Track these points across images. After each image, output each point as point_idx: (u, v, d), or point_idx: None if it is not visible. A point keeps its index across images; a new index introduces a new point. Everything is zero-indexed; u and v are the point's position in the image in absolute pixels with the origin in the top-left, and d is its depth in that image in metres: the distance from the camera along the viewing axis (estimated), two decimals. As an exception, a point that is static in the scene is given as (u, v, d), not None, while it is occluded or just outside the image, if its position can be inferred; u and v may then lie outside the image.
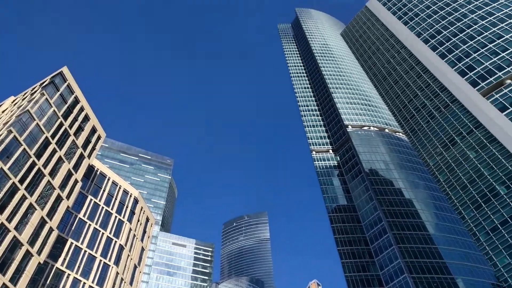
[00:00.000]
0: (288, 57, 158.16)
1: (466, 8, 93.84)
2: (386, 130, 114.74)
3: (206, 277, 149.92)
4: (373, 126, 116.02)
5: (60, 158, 54.05)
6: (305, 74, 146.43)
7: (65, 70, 60.06)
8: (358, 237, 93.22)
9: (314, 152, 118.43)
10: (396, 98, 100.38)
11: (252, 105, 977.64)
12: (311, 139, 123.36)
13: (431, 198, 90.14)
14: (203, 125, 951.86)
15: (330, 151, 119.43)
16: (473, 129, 75.17)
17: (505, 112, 69.13)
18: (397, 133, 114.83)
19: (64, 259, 57.09)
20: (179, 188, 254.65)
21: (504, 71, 74.71)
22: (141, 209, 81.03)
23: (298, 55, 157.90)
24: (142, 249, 78.35)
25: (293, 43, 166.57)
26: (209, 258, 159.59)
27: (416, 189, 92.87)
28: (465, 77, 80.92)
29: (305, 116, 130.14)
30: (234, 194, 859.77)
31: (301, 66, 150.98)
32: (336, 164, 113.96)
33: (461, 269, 73.22)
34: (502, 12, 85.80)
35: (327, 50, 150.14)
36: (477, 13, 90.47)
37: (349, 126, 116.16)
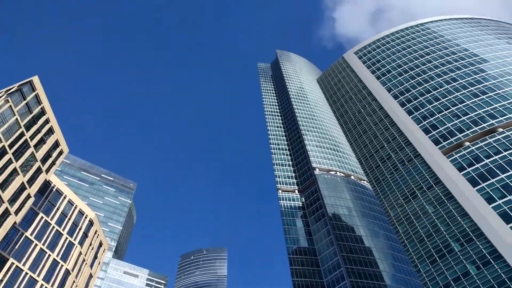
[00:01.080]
0: (264, 94, 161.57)
1: (434, 72, 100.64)
2: (352, 177, 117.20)
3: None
4: (340, 172, 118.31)
5: (14, 170, 51.16)
6: (279, 114, 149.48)
7: (35, 79, 58.32)
8: (316, 281, 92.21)
9: (280, 191, 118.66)
10: (364, 147, 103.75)
11: (223, 136, 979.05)
12: (279, 177, 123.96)
13: (390, 248, 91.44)
14: (171, 150, 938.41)
15: (296, 191, 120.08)
16: (433, 185, 78.21)
17: (463, 172, 72.78)
18: (362, 181, 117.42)
19: (1, 280, 52.52)
20: (138, 213, 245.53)
21: (463, 133, 79.49)
22: (95, 233, 76.97)
23: (274, 94, 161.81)
24: (90, 276, 73.62)
25: (270, 82, 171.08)
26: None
27: (376, 238, 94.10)
28: (429, 135, 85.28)
29: (275, 154, 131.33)
30: (195, 226, 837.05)
31: (276, 105, 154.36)
32: (300, 205, 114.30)
33: (413, 324, 73.31)
34: (465, 80, 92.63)
35: (302, 93, 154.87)
36: (443, 77, 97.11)
37: (317, 169, 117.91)
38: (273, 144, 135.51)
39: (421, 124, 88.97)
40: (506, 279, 56.97)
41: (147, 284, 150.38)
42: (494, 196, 65.87)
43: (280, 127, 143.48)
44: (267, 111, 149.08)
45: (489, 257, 60.99)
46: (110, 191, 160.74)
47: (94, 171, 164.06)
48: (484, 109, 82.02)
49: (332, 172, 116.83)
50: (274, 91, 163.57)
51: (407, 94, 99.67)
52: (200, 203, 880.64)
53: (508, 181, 66.23)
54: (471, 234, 65.74)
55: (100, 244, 79.25)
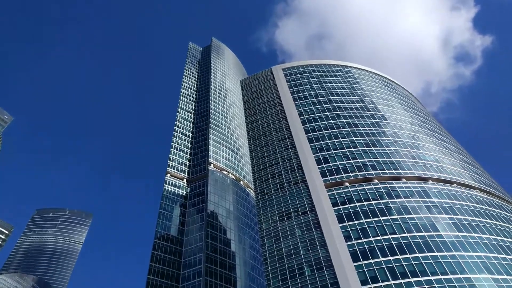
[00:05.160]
0: (185, 76, 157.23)
1: (342, 112, 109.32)
2: (241, 182, 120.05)
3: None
4: (232, 174, 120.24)
5: None
6: (193, 100, 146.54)
7: None
8: (173, 271, 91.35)
9: (169, 175, 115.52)
10: (261, 158, 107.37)
11: (126, 107, 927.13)
12: (173, 161, 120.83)
13: (252, 258, 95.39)
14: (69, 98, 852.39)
15: (185, 180, 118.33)
16: (308, 211, 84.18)
17: (335, 208, 79.94)
18: (248, 189, 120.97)
19: None
20: (5, 151, 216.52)
21: (346, 174, 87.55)
22: None
23: (195, 80, 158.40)
24: None
25: (195, 66, 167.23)
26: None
27: (242, 245, 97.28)
28: (319, 166, 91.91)
29: (176, 138, 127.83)
30: (66, 185, 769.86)
31: (193, 91, 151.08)
32: (184, 195, 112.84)
33: (248, 332, 77.13)
34: (363, 129, 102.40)
35: (223, 89, 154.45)
36: (347, 120, 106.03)
37: (212, 165, 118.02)
38: (178, 127, 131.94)
39: (316, 155, 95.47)
40: (336, 309, 63.62)
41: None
42: (351, 235, 73.43)
43: (191, 113, 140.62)
44: (183, 93, 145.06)
45: (330, 286, 67.46)
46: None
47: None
48: (369, 159, 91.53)
49: (225, 172, 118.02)
50: (196, 77, 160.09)
51: (313, 123, 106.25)
52: (80, 162, 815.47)
53: (366, 226, 74.49)
54: (323, 263, 72.08)
55: None
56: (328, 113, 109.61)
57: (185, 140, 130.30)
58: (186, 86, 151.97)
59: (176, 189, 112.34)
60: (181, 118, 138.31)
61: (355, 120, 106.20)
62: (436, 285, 61.34)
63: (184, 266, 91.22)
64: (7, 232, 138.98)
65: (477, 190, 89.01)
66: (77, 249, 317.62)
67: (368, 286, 63.55)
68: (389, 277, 64.04)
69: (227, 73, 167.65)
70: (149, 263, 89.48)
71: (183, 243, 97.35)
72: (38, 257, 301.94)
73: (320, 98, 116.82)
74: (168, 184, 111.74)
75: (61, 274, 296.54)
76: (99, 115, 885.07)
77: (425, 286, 61.35)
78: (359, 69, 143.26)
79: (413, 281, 62.55)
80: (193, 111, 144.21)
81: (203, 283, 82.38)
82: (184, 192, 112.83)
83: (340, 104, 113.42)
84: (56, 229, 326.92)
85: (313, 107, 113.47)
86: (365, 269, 66.38)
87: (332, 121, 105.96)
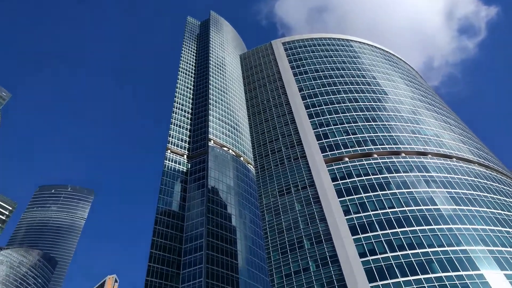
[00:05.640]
0: (183, 51, 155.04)
1: (342, 87, 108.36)
2: (241, 158, 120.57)
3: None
4: (232, 150, 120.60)
5: None
6: (192, 76, 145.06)
7: None
8: (175, 245, 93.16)
9: (169, 151, 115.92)
10: (261, 134, 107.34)
11: (127, 80, 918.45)
12: (172, 137, 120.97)
13: (252, 232, 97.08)
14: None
15: (185, 156, 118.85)
16: (307, 186, 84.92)
17: (334, 183, 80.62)
18: (249, 164, 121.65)
19: None
20: (3, 127, 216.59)
21: (346, 149, 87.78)
22: None
23: (194, 55, 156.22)
24: None
25: (194, 41, 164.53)
26: (3, 218, 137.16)
27: (243, 220, 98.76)
28: (318, 142, 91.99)
29: (176, 114, 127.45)
30: (68, 161, 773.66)
31: (192, 66, 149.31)
32: (184, 171, 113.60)
33: (249, 302, 79.50)
34: (363, 104, 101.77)
35: (222, 64, 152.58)
36: (347, 95, 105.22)
37: (212, 141, 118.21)
38: (177, 104, 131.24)
39: (316, 130, 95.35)
40: (334, 280, 65.30)
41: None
42: (351, 209, 74.42)
43: (190, 89, 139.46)
44: (181, 69, 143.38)
45: (329, 259, 68.96)
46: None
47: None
48: (369, 134, 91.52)
49: (225, 149, 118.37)
50: (195, 52, 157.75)
51: (313, 99, 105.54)
52: (82, 139, 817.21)
53: (365, 200, 75.37)
54: (322, 237, 73.40)
55: None
56: (328, 88, 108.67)
57: (184, 116, 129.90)
58: (184, 62, 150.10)
59: (177, 165, 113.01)
60: (180, 94, 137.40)
61: (356, 95, 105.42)
62: (432, 257, 62.72)
63: (185, 240, 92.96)
64: (10, 208, 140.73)
65: (476, 164, 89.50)
66: (80, 225, 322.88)
67: (366, 258, 64.95)
68: (387, 249, 65.35)
69: (226, 48, 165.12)
70: (151, 238, 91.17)
71: (184, 218, 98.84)
72: (42, 232, 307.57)
73: (321, 73, 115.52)
74: (169, 160, 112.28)
75: (65, 249, 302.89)
76: (96, 91, 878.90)
77: (422, 258, 62.71)
78: (360, 42, 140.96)
79: (410, 253, 63.89)
80: (192, 87, 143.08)
81: (205, 256, 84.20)
82: (185, 168, 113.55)
83: (341, 79, 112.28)
84: (59, 205, 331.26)
85: (313, 82, 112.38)
86: (363, 242, 67.67)
87: (332, 96, 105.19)
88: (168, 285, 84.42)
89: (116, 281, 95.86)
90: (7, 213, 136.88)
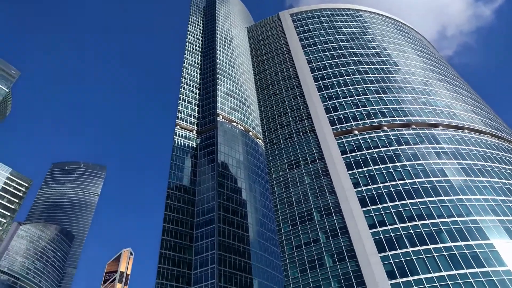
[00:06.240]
0: (190, 25, 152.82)
1: (352, 59, 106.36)
2: (250, 133, 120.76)
3: (8, 214, 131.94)
4: (241, 125, 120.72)
5: None
6: (199, 50, 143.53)
7: None
8: (187, 219, 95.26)
9: (178, 127, 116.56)
10: (270, 108, 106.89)
11: (135, 56, 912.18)
12: (181, 113, 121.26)
13: (262, 205, 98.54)
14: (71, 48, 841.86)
15: (194, 131, 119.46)
16: (316, 159, 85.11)
17: (344, 156, 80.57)
18: (257, 139, 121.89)
19: None
20: (16, 106, 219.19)
21: (356, 122, 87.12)
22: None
23: (201, 29, 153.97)
24: None
25: (200, 15, 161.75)
26: (20, 194, 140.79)
27: (253, 194, 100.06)
28: (328, 115, 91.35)
29: (183, 89, 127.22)
30: (80, 137, 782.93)
31: (199, 40, 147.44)
32: (194, 146, 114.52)
33: (261, 273, 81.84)
34: (373, 75, 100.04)
35: (229, 38, 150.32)
36: (357, 67, 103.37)
37: (220, 116, 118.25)
38: (185, 79, 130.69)
39: (325, 103, 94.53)
40: (344, 250, 66.49)
41: (6, 183, 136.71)
42: (360, 182, 74.71)
43: (197, 63, 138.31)
44: (188, 43, 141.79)
45: (338, 230, 69.96)
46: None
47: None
48: (379, 107, 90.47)
49: (234, 124, 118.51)
50: (201, 26, 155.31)
51: (323, 71, 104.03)
52: (92, 116, 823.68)
53: (375, 173, 75.44)
54: (332, 209, 74.18)
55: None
56: (337, 60, 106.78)
57: (192, 91, 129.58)
58: (191, 36, 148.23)
59: (187, 140, 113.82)
60: (188, 69, 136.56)
61: (365, 66, 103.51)
62: (442, 227, 63.18)
63: (197, 214, 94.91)
64: (26, 185, 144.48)
65: (488, 135, 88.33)
66: (94, 200, 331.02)
67: (376, 229, 65.69)
68: (396, 220, 65.91)
69: (233, 21, 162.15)
70: (163, 212, 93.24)
71: (195, 193, 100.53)
72: (58, 208, 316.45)
73: (330, 45, 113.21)
74: (178, 136, 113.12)
75: (81, 224, 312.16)
76: (105, 69, 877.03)
77: (431, 228, 63.23)
78: (370, 12, 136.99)
79: (420, 223, 64.39)
80: (199, 62, 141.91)
81: (216, 229, 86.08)
82: (195, 144, 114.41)
83: (350, 51, 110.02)
84: (73, 181, 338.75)
85: (322, 54, 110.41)
86: (373, 214, 68.28)
87: (341, 69, 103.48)
88: (182, 257, 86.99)
89: (131, 254, 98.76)
90: (23, 189, 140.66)
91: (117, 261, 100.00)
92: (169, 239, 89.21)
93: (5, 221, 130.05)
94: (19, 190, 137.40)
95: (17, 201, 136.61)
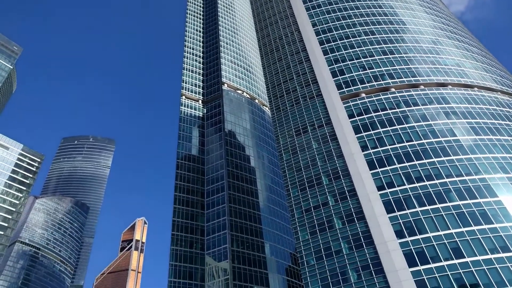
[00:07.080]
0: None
1: (358, 20, 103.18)
2: (256, 101, 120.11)
3: (24, 188, 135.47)
4: (246, 93, 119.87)
5: None
6: (201, 18, 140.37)
7: None
8: (198, 188, 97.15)
9: (184, 97, 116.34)
10: (275, 74, 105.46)
11: (136, 27, 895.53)
12: (186, 83, 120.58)
13: (271, 171, 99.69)
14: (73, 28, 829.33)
15: (200, 101, 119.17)
16: (324, 124, 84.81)
17: (351, 119, 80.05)
18: (264, 106, 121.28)
19: None
20: (21, 82, 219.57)
21: (363, 85, 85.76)
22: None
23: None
24: None
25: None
26: (33, 169, 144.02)
27: (261, 160, 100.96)
28: (334, 79, 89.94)
29: (187, 59, 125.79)
30: (87, 112, 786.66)
31: (200, 7, 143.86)
32: (201, 116, 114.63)
33: (272, 236, 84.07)
34: (380, 36, 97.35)
35: (231, 4, 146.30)
36: (363, 28, 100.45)
37: (225, 85, 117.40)
38: (188, 48, 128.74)
39: (331, 67, 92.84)
40: (353, 212, 67.62)
41: (19, 159, 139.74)
42: (368, 145, 74.61)
43: (200, 32, 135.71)
44: (189, 10, 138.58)
45: (347, 193, 70.81)
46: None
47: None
48: (386, 68, 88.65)
49: (239, 92, 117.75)
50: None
51: (328, 34, 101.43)
52: (99, 92, 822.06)
53: (383, 135, 75.11)
54: (340, 173, 74.68)
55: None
56: (343, 21, 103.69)
57: (196, 60, 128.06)
58: (192, 2, 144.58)
59: (193, 110, 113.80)
60: (190, 37, 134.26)
61: (372, 27, 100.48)
62: (450, 186, 63.51)
63: (207, 182, 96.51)
64: (39, 160, 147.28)
65: (499, 93, 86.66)
66: (105, 173, 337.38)
67: (384, 191, 66.33)
68: (405, 181, 66.33)
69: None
70: (174, 182, 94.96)
71: (204, 162, 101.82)
72: (72, 181, 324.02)
73: (334, 6, 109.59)
74: (184, 106, 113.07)
75: (94, 196, 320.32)
76: (110, 43, 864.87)
77: (440, 188, 63.64)
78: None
79: (428, 184, 64.76)
80: (201, 30, 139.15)
81: (227, 196, 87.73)
82: (201, 113, 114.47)
83: (356, 11, 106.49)
84: (84, 155, 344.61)
85: (327, 16, 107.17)
86: (381, 176, 68.68)
87: (347, 30, 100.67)
88: (194, 224, 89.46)
89: (145, 223, 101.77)
90: (36, 164, 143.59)
91: (132, 230, 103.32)
92: (181, 208, 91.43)
93: (21, 195, 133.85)
94: (32, 165, 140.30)
95: (31, 175, 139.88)
